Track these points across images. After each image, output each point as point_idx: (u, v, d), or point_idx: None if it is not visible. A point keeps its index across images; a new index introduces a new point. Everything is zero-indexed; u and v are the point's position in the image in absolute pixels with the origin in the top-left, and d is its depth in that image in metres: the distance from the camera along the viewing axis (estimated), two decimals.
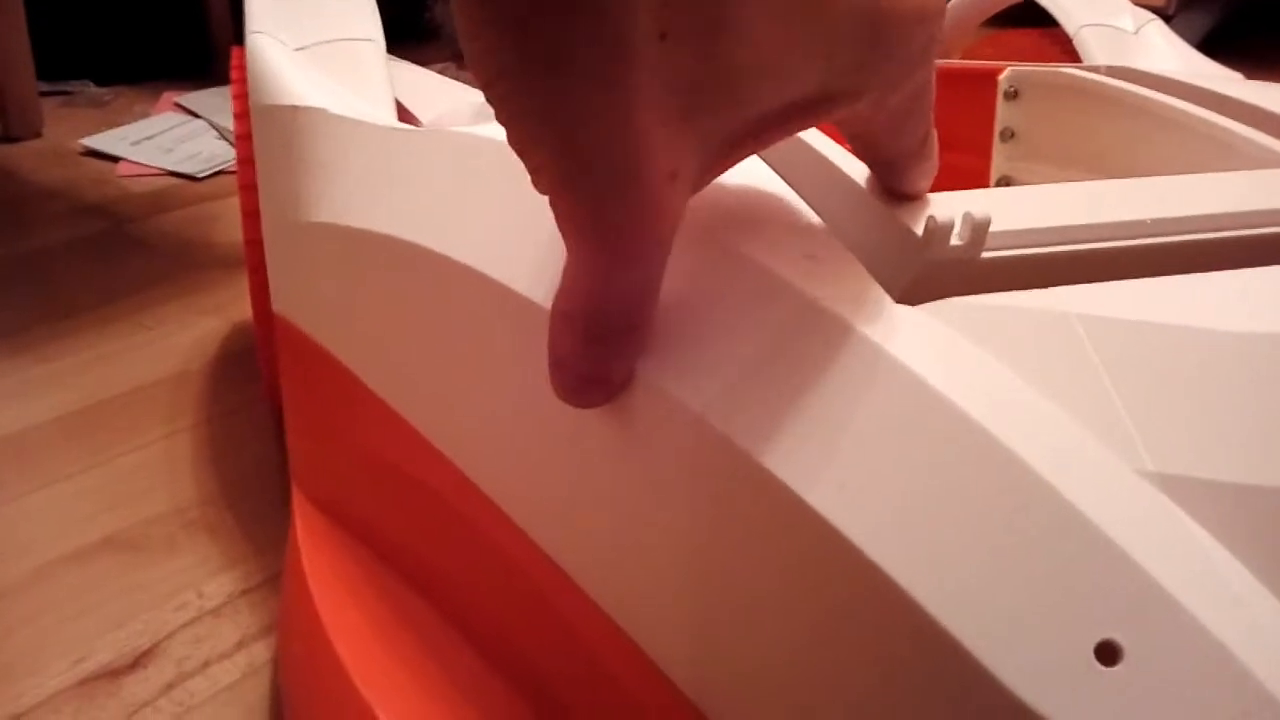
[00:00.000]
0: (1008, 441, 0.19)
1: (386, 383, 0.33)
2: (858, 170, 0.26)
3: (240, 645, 0.41)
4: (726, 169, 0.21)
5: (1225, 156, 0.33)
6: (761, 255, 0.23)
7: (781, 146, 0.30)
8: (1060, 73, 0.40)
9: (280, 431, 0.44)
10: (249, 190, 0.43)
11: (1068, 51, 0.55)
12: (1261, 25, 1.62)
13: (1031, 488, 0.19)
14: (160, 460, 0.52)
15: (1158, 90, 0.37)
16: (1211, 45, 1.46)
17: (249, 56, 0.42)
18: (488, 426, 0.29)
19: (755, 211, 0.25)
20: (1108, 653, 0.17)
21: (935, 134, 0.25)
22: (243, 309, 0.65)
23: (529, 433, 0.27)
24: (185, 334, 0.64)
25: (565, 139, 0.17)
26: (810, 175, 0.28)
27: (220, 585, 0.44)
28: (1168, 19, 1.47)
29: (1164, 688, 0.17)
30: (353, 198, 0.34)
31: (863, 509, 0.19)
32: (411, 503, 0.33)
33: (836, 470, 0.19)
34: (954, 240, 0.24)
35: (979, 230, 0.24)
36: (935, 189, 0.51)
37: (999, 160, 0.43)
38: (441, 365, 0.30)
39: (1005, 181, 0.43)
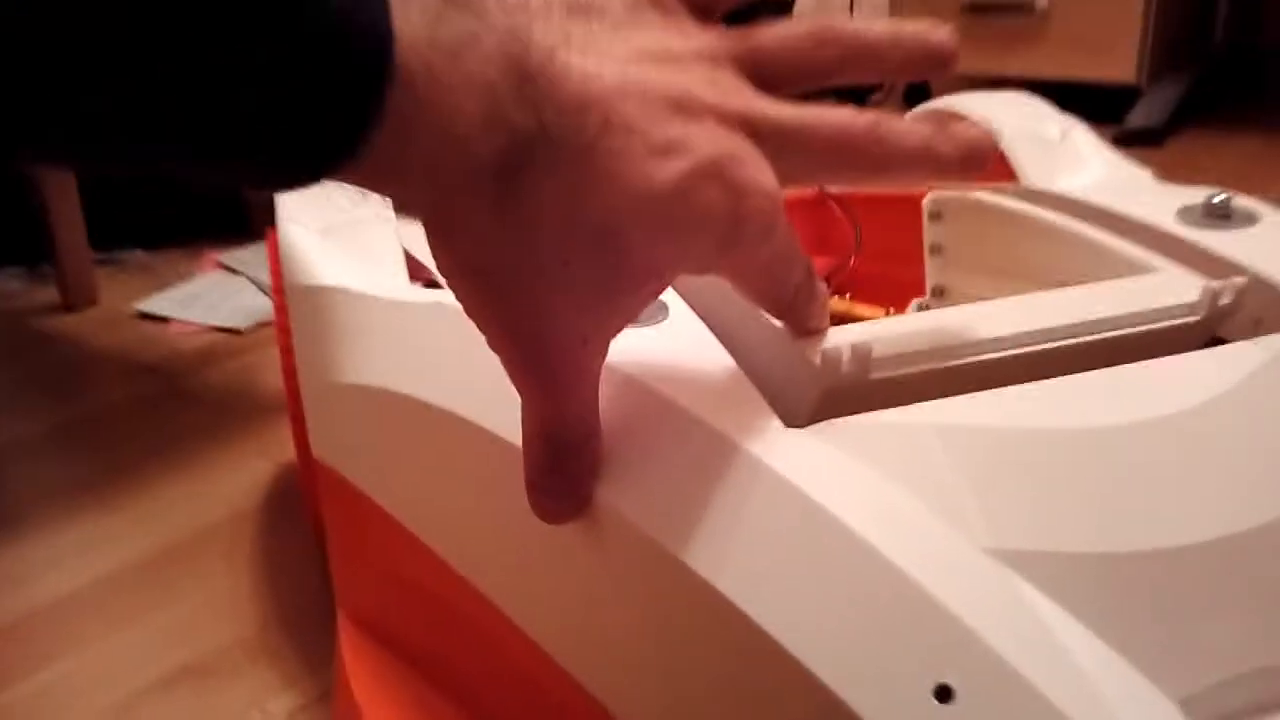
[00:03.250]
0: (871, 538, 0.25)
1: (411, 515, 0.39)
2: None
3: None
4: (628, 323, 0.27)
5: (1100, 265, 0.39)
6: (684, 399, 0.29)
7: (721, 305, 0.36)
8: (971, 196, 0.47)
9: (325, 561, 0.50)
10: (288, 353, 0.50)
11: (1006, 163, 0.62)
12: (1230, 90, 1.69)
13: (888, 573, 0.24)
14: (224, 594, 0.58)
15: (1054, 209, 0.44)
16: (1184, 113, 1.53)
17: (280, 242, 0.50)
18: (494, 548, 0.35)
19: (684, 362, 0.31)
20: (943, 693, 0.23)
21: (820, 286, 0.31)
22: (287, 450, 0.72)
23: (524, 551, 0.33)
24: (238, 478, 0.71)
25: (502, 325, 0.25)
26: (740, 325, 0.35)
27: (281, 704, 0.49)
28: (1139, 92, 1.55)
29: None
30: (371, 361, 0.40)
31: (763, 596, 0.25)
32: (437, 616, 0.39)
33: (741, 566, 0.25)
34: (844, 367, 0.30)
35: (862, 358, 0.30)
36: (886, 295, 0.57)
37: (932, 272, 0.49)
38: (453, 499, 0.36)
39: (939, 290, 0.50)
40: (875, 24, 0.28)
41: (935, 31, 0.28)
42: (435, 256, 0.25)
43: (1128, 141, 1.45)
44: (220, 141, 0.20)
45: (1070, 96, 1.58)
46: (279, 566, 0.60)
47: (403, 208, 0.24)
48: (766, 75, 0.28)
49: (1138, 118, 1.49)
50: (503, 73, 0.22)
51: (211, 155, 0.20)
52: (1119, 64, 1.53)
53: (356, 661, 0.42)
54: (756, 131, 0.26)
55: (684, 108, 0.25)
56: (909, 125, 0.29)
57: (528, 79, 0.22)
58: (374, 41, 0.20)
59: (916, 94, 1.81)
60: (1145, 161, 0.56)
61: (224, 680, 0.51)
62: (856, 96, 1.75)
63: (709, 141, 0.25)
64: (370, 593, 0.44)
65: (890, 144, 0.28)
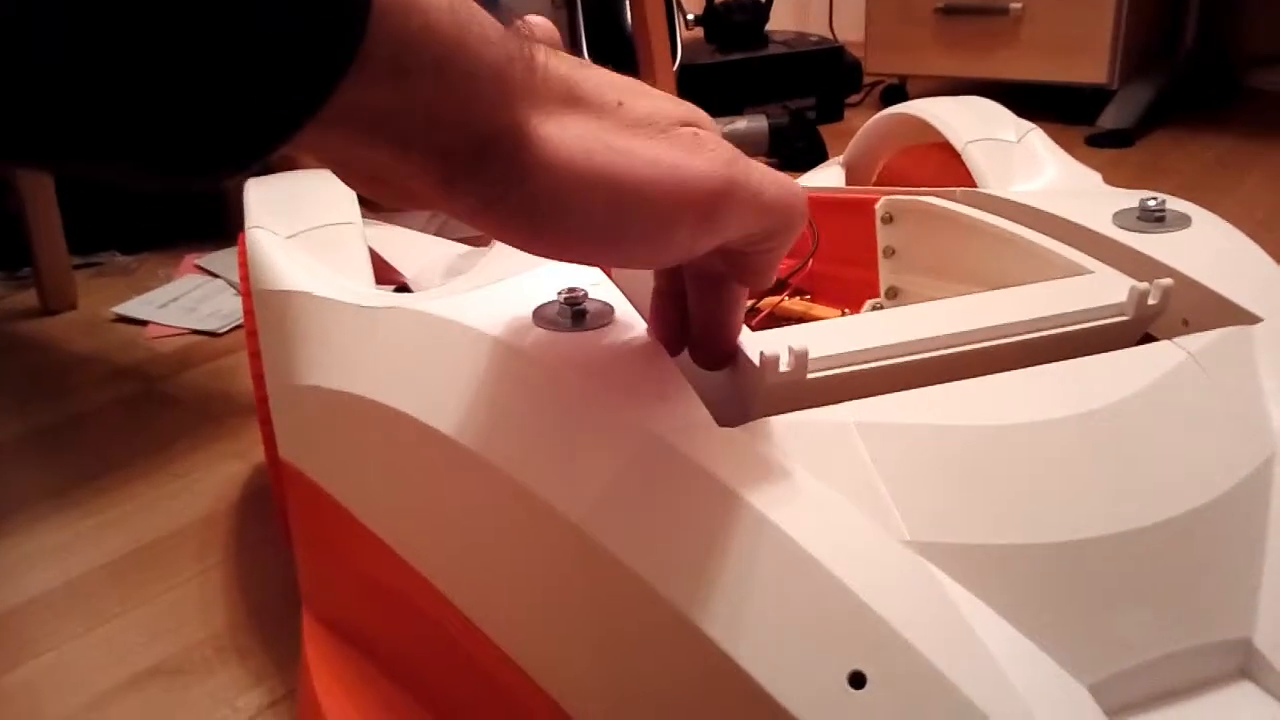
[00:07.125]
0: (793, 533, 0.26)
1: (370, 513, 0.40)
2: None
3: None
4: None
5: (1039, 268, 0.41)
6: (624, 400, 0.30)
7: None
8: (920, 200, 0.48)
9: (294, 560, 0.51)
10: (256, 357, 0.51)
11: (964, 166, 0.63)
12: (1200, 92, 1.70)
13: (809, 568, 0.26)
14: (195, 594, 0.59)
15: (995, 212, 0.45)
16: (1155, 114, 1.55)
17: (248, 248, 0.51)
18: (448, 546, 0.36)
19: (625, 366, 0.32)
20: (857, 680, 0.24)
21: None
22: (261, 451, 0.72)
23: (476, 548, 0.34)
24: (212, 479, 0.71)
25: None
26: None
27: (250, 700, 0.50)
28: (1112, 93, 1.56)
29: (898, 705, 0.23)
30: (334, 365, 0.41)
31: (694, 593, 0.26)
32: (397, 613, 0.40)
33: (674, 565, 0.26)
34: (782, 368, 0.31)
35: (799, 359, 0.31)
36: (844, 296, 0.59)
37: (885, 273, 0.51)
38: (410, 498, 0.37)
39: (893, 291, 0.51)
40: None
41: None
42: (460, 203, 0.24)
43: (1099, 142, 1.47)
44: (230, 66, 0.19)
45: (1043, 97, 1.60)
46: (250, 565, 0.61)
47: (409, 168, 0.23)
48: None
49: (1109, 119, 1.51)
50: (510, 59, 0.23)
51: (213, 87, 0.19)
52: (1091, 66, 1.55)
53: (319, 659, 0.43)
54: None
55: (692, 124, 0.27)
56: None
57: (536, 67, 0.24)
58: None
59: (894, 95, 1.83)
60: (1117, 162, 0.57)
61: (194, 678, 0.52)
62: (835, 101, 1.77)
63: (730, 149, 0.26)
64: (333, 590, 0.45)
65: None
